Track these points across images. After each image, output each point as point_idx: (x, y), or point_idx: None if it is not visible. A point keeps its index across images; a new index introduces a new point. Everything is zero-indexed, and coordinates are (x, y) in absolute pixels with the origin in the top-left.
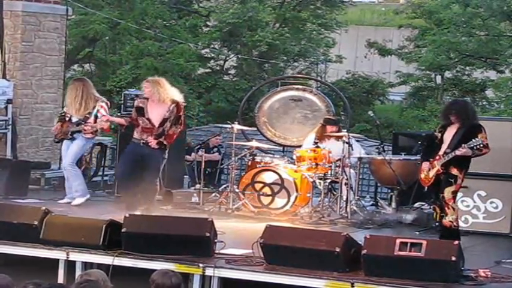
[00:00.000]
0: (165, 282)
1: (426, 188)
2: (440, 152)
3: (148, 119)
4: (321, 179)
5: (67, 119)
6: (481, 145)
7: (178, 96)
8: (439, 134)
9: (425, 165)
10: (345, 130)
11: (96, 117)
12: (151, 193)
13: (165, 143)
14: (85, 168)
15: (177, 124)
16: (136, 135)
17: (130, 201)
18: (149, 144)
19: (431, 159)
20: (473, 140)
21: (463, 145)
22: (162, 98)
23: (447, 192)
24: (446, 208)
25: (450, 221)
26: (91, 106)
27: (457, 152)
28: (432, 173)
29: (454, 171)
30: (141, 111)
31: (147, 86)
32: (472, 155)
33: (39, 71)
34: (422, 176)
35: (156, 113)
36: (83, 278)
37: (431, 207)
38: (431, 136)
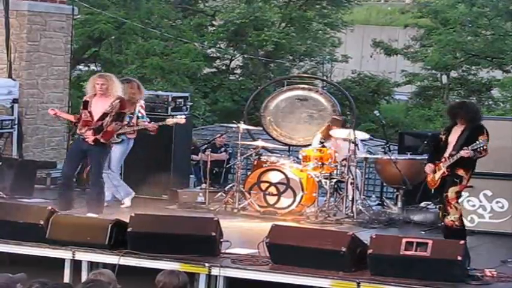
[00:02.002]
0: (173, 281)
1: (433, 190)
2: (446, 154)
3: (89, 112)
4: (326, 178)
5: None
6: (482, 148)
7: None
8: (444, 137)
9: (430, 167)
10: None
11: (137, 117)
12: (94, 192)
13: (102, 140)
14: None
15: (117, 120)
16: (78, 130)
17: (65, 202)
18: (86, 140)
19: (436, 162)
20: (476, 142)
21: (466, 147)
22: (109, 93)
23: (451, 191)
24: (448, 207)
25: (452, 221)
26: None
27: (462, 153)
28: (438, 176)
29: (460, 172)
30: (86, 104)
31: (103, 82)
32: (473, 157)
33: (45, 70)
34: (429, 178)
35: (99, 107)
36: (90, 278)
37: (437, 206)
38: (436, 138)
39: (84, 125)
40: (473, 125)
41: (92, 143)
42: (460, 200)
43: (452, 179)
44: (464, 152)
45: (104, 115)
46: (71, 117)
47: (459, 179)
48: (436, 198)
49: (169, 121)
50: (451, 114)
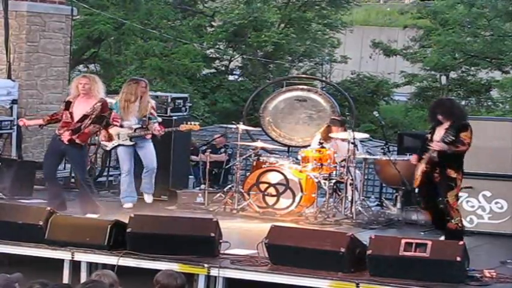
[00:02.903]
0: (171, 283)
1: (417, 188)
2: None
3: (70, 113)
4: (326, 179)
5: (118, 123)
6: (453, 139)
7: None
8: (430, 136)
9: (414, 158)
10: (351, 130)
11: (149, 119)
12: (84, 193)
13: (77, 141)
14: (90, 168)
15: (97, 123)
16: (57, 130)
17: (57, 201)
18: (61, 138)
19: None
20: (450, 136)
21: (435, 141)
22: (92, 93)
23: (450, 196)
24: (451, 212)
25: (456, 223)
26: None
27: (434, 146)
28: (418, 172)
29: (452, 174)
30: (68, 105)
31: (86, 82)
32: (449, 150)
33: (44, 71)
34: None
35: (80, 108)
36: (90, 279)
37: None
38: (424, 138)
39: (63, 125)
40: (456, 121)
41: (67, 143)
42: (458, 202)
43: (447, 183)
44: (435, 144)
45: (84, 117)
46: (40, 121)
47: (453, 181)
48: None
49: (183, 127)
50: (430, 114)
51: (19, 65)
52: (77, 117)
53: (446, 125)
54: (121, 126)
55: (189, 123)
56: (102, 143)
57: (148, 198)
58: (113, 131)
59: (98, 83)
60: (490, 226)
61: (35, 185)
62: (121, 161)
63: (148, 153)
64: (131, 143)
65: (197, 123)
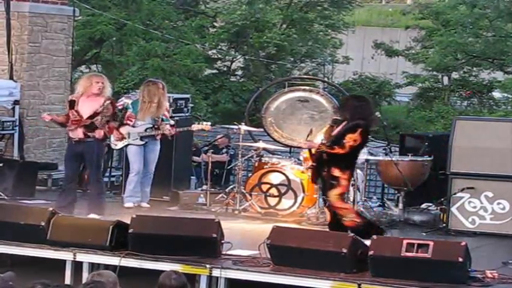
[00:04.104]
0: (166, 283)
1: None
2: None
3: (76, 111)
4: None
5: (131, 123)
6: (333, 141)
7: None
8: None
9: (308, 143)
10: None
11: (162, 120)
12: (94, 192)
13: (107, 135)
14: None
15: (114, 120)
16: (70, 133)
17: (67, 204)
18: (76, 138)
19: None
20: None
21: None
22: (103, 93)
23: (332, 196)
24: (338, 211)
25: (351, 221)
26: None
27: (303, 145)
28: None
29: (336, 172)
30: (72, 104)
31: (102, 82)
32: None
33: (46, 72)
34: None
35: (86, 106)
36: (91, 279)
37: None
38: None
39: (73, 124)
40: (350, 121)
41: (84, 139)
42: (345, 199)
43: (329, 181)
44: (303, 143)
45: (95, 114)
46: (61, 119)
47: (335, 180)
48: (437, 199)
49: (195, 127)
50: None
51: (21, 65)
52: (85, 115)
53: (344, 123)
54: (133, 126)
55: (200, 123)
56: (112, 141)
57: (146, 205)
58: (123, 130)
59: (108, 82)
60: (492, 227)
61: (37, 185)
62: (131, 160)
63: (153, 156)
64: (142, 143)
65: (209, 123)
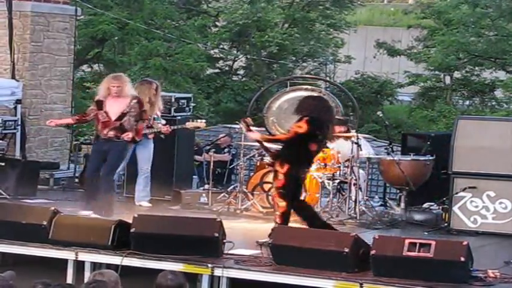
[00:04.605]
0: (162, 283)
1: None
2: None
3: (105, 112)
4: (329, 179)
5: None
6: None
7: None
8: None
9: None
10: (354, 130)
11: (154, 119)
12: (104, 188)
13: (136, 139)
14: None
15: (141, 120)
16: (99, 133)
17: (93, 203)
18: (105, 138)
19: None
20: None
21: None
22: (124, 94)
23: (273, 188)
24: (273, 203)
25: (275, 216)
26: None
27: (250, 135)
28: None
29: (277, 166)
30: (100, 104)
31: (118, 85)
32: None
33: (48, 71)
34: None
35: (114, 107)
36: (93, 279)
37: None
38: None
39: (104, 125)
40: (299, 115)
41: (115, 139)
42: (285, 196)
43: (274, 174)
44: (250, 133)
45: (123, 115)
46: (69, 120)
47: (275, 173)
48: (439, 198)
49: (189, 125)
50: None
51: (23, 65)
52: (114, 116)
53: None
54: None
55: (195, 121)
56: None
57: (146, 205)
58: None
59: (127, 82)
60: (494, 226)
61: (38, 185)
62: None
63: (147, 154)
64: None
65: (203, 120)
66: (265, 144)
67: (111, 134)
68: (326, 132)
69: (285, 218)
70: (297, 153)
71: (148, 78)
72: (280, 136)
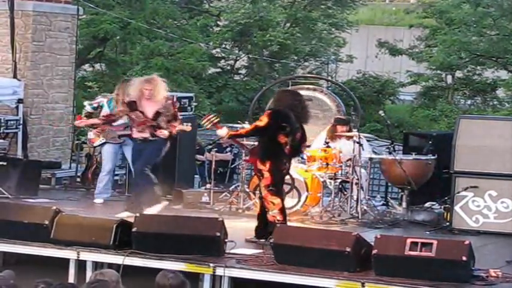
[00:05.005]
0: (161, 282)
1: None
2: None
3: (141, 112)
4: (331, 178)
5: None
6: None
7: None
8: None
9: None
10: (356, 130)
11: None
12: (142, 183)
13: (173, 132)
14: (95, 168)
15: (175, 119)
16: (135, 134)
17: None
18: (142, 138)
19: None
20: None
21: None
22: (157, 96)
23: (261, 188)
24: (266, 203)
25: (273, 216)
26: None
27: (219, 132)
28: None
29: (259, 165)
30: (133, 105)
31: (151, 89)
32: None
33: (50, 70)
34: None
35: (150, 106)
36: (95, 278)
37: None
38: None
39: (140, 125)
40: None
41: (151, 138)
42: (276, 192)
43: (257, 174)
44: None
45: (158, 114)
46: (95, 121)
47: (260, 173)
48: (441, 198)
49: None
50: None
51: (25, 64)
52: (149, 116)
53: None
54: (111, 124)
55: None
56: (89, 138)
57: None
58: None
59: (160, 83)
60: (496, 226)
61: (40, 184)
62: (104, 159)
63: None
64: (119, 141)
65: (189, 124)
66: (235, 139)
67: (147, 133)
68: (295, 124)
69: (284, 213)
70: (270, 147)
71: (149, 76)
72: (243, 131)
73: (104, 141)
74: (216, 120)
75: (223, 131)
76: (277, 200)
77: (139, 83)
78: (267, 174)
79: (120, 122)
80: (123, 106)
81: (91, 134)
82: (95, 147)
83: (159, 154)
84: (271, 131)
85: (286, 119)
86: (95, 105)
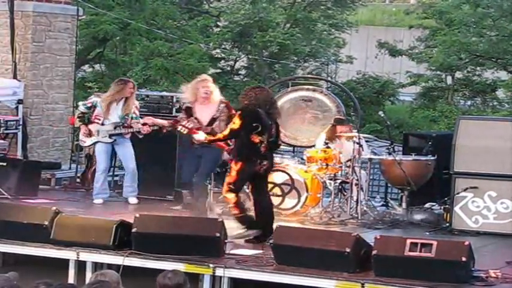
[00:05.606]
0: (160, 282)
1: None
2: None
3: (196, 118)
4: (331, 179)
5: (99, 121)
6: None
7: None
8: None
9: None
10: (355, 130)
11: (131, 118)
12: (197, 191)
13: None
14: (95, 168)
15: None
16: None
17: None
18: (198, 143)
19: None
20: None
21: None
22: (212, 97)
23: (224, 182)
24: (224, 198)
25: (232, 211)
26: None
27: (196, 137)
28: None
29: (232, 164)
30: (189, 111)
31: (209, 87)
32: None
33: (49, 71)
34: None
35: (205, 113)
36: (95, 279)
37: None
38: None
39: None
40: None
41: (206, 144)
42: (234, 191)
43: (228, 172)
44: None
45: (213, 120)
46: (164, 122)
47: (230, 170)
48: (440, 198)
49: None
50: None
51: (25, 65)
52: (205, 121)
53: None
54: (102, 124)
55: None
56: (80, 138)
57: (132, 201)
58: (92, 127)
59: (214, 86)
60: (496, 226)
61: (40, 185)
62: (98, 159)
63: (128, 153)
64: (110, 141)
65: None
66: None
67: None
68: (267, 121)
69: (240, 206)
70: (243, 149)
71: (124, 78)
72: (221, 135)
73: (95, 140)
74: (190, 126)
75: (200, 136)
76: (231, 195)
77: (194, 84)
78: (233, 173)
79: (108, 121)
80: (182, 113)
81: (81, 135)
82: (85, 146)
83: (217, 162)
84: (245, 132)
85: (256, 119)
86: (89, 105)
